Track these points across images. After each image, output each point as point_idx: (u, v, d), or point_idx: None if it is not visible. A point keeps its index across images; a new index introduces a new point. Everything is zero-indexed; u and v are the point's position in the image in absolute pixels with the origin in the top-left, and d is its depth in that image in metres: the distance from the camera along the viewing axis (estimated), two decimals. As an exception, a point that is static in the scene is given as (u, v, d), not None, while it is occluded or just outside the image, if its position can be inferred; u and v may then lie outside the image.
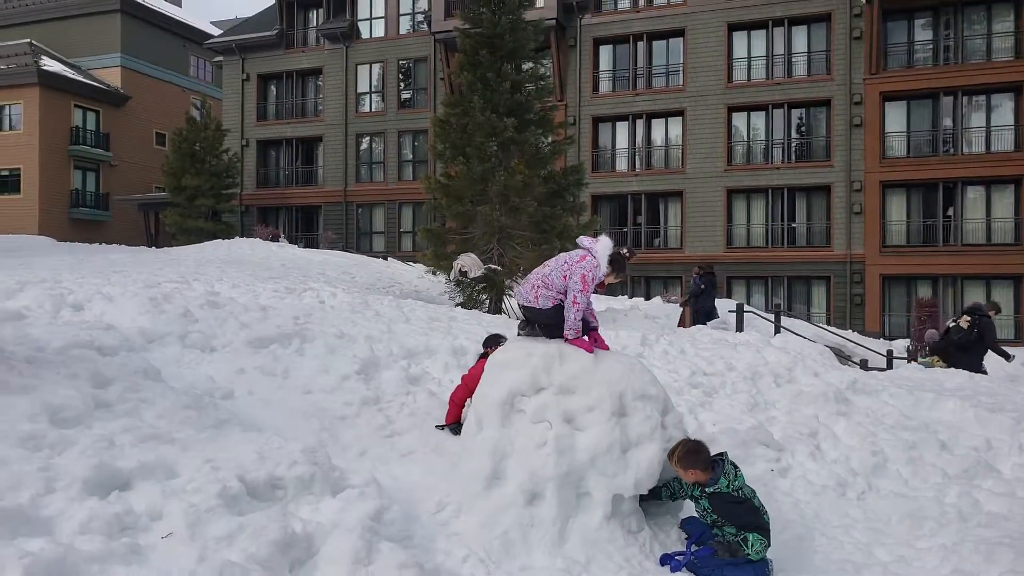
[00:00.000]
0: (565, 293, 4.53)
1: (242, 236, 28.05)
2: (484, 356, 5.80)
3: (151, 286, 9.11)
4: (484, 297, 15.24)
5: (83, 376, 4.66)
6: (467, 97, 15.52)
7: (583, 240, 4.72)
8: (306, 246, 27.76)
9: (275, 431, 4.99)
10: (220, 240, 25.48)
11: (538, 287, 4.58)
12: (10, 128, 35.42)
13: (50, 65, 35.50)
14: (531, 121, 15.67)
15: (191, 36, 40.85)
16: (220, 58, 34.28)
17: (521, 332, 4.91)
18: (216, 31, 40.32)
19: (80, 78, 36.43)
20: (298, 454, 4.13)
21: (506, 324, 10.41)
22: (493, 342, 5.81)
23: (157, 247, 28.38)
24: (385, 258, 26.03)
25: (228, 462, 3.96)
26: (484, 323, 10.04)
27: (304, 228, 32.87)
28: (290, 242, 27.83)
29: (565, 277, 4.52)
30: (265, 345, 6.89)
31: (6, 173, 35.03)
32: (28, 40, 37.45)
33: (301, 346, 7.01)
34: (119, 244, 29.91)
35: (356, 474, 4.31)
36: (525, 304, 4.68)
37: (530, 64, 16.41)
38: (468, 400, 5.62)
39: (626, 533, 4.42)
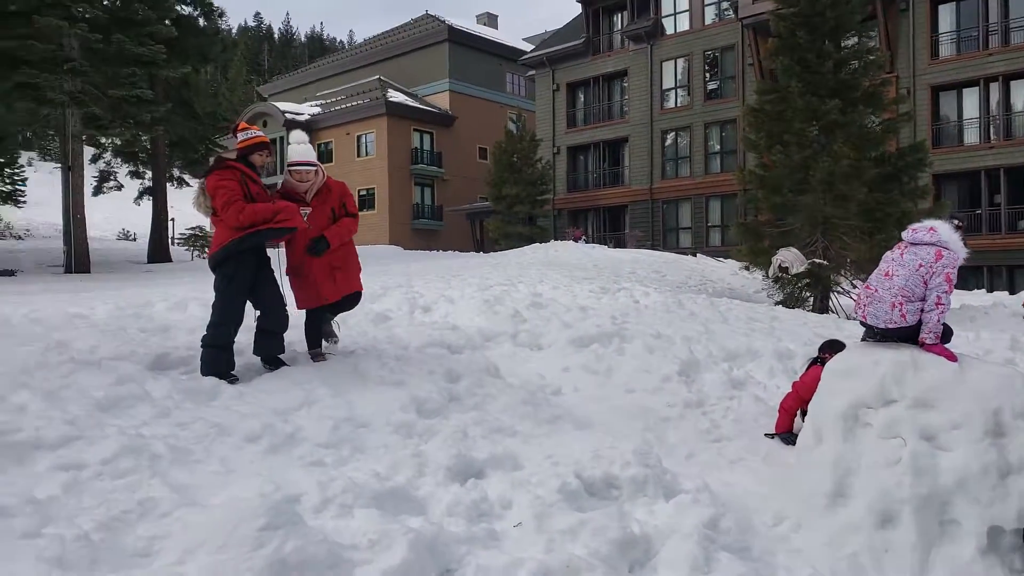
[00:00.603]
0: (925, 299, 4.06)
1: (555, 239, 29.65)
2: (818, 362, 5.40)
3: (483, 289, 9.98)
4: (808, 295, 14.21)
5: (439, 372, 5.25)
6: (783, 82, 14.62)
7: (920, 236, 4.14)
8: (615, 246, 28.43)
9: (603, 429, 5.14)
10: (537, 244, 27.21)
11: (900, 303, 4.11)
12: (366, 154, 41.65)
13: (394, 96, 41.04)
14: (857, 100, 14.26)
15: (506, 55, 44.19)
16: (532, 72, 36.60)
17: (867, 339, 4.46)
18: (528, 47, 43.12)
19: (417, 105, 41.59)
20: (630, 455, 4.19)
21: (835, 324, 9.61)
22: (830, 347, 5.36)
23: (484, 252, 31.25)
24: (694, 254, 25.64)
25: (565, 458, 4.15)
26: (810, 324, 9.36)
27: (611, 228, 33.71)
28: (598, 242, 28.73)
29: (925, 283, 4.03)
30: (586, 344, 7.14)
31: (364, 192, 41.19)
32: (377, 77, 43.79)
33: (620, 345, 7.15)
34: (452, 250, 33.60)
35: (687, 479, 4.25)
36: (891, 326, 4.21)
37: (854, 39, 14.94)
38: (800, 409, 5.28)
39: (1009, 571, 3.77)
